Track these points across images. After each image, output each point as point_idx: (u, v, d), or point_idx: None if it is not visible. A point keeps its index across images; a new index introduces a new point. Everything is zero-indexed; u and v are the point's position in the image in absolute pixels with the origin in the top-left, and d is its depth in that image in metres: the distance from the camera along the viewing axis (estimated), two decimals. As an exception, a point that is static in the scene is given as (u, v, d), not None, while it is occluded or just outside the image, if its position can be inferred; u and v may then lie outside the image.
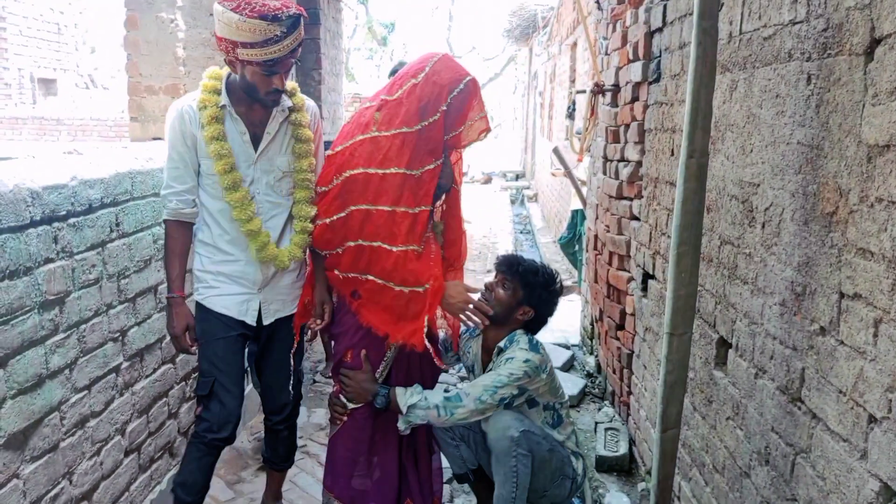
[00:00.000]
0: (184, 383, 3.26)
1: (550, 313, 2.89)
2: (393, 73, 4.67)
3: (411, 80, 2.48)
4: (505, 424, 2.65)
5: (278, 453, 2.99)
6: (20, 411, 2.07)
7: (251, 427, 3.95)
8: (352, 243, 2.55)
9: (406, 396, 2.60)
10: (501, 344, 2.79)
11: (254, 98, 2.56)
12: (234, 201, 2.58)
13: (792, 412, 1.81)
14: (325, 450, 2.85)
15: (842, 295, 1.57)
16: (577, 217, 6.55)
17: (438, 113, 2.46)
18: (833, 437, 1.60)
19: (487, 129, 2.57)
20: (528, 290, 2.78)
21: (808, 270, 1.74)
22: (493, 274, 2.89)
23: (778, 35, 1.94)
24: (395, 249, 2.51)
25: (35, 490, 2.15)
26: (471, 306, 2.68)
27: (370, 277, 2.56)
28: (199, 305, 2.69)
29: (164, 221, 2.61)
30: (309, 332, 2.82)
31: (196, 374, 2.95)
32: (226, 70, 2.60)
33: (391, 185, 2.48)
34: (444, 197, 2.74)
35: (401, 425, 2.61)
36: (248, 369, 2.96)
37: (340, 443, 2.73)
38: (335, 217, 2.57)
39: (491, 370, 2.77)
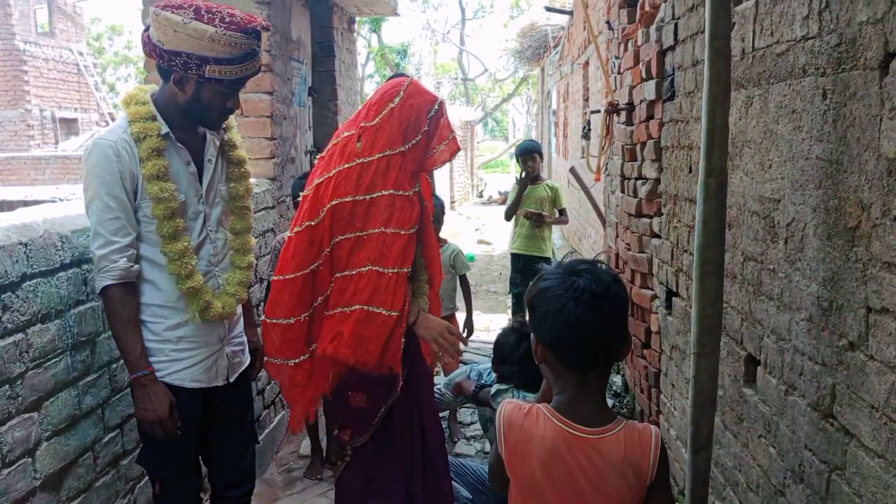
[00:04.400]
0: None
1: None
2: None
3: (389, 105, 2.47)
4: None
5: None
6: (55, 452, 2.10)
7: (280, 458, 3.96)
8: (338, 274, 2.43)
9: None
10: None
11: (201, 121, 2.29)
12: (172, 253, 2.19)
13: (824, 429, 1.80)
14: None
15: (869, 309, 1.56)
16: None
17: (420, 135, 2.50)
18: (868, 454, 1.58)
19: (458, 149, 2.62)
20: None
21: (834, 285, 1.73)
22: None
23: (791, 51, 1.95)
24: (388, 272, 2.42)
25: (71, 530, 2.17)
26: (446, 334, 2.56)
27: (356, 308, 2.41)
28: None
29: (106, 290, 2.13)
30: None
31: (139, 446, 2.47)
32: (148, 89, 2.30)
33: (380, 209, 2.44)
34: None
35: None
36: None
37: (347, 482, 2.68)
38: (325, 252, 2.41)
39: None
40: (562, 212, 5.92)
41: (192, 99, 2.19)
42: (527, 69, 22.64)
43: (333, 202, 2.39)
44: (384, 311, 2.40)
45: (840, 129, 1.69)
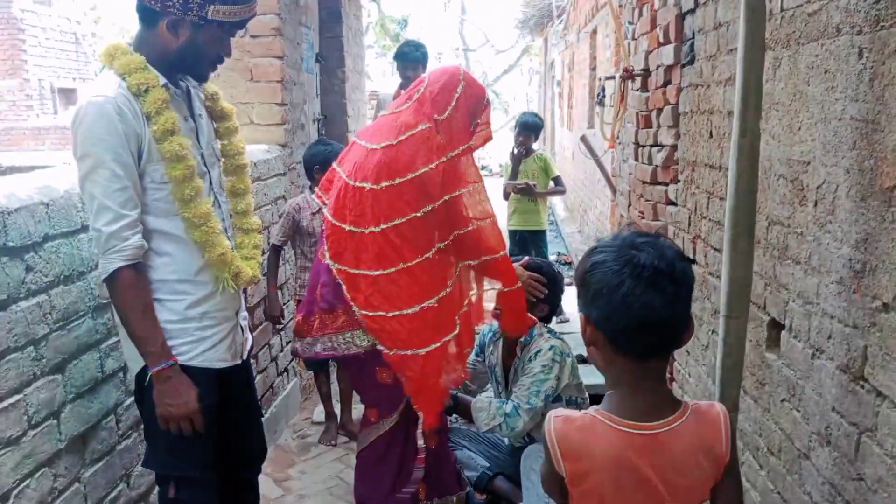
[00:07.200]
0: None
1: (559, 301, 3.11)
2: (399, 55, 4.69)
3: (455, 95, 2.52)
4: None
5: None
6: (79, 415, 2.10)
7: (294, 424, 3.98)
8: (472, 262, 2.64)
9: (476, 408, 2.78)
10: (522, 339, 2.94)
11: (192, 70, 2.08)
12: (196, 217, 1.98)
13: (854, 391, 1.79)
14: None
15: (906, 270, 1.55)
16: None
17: (474, 125, 2.60)
18: (902, 415, 1.57)
19: (490, 139, 2.70)
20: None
21: (868, 247, 1.71)
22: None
23: (824, 10, 1.91)
24: (500, 255, 2.65)
25: (95, 493, 2.18)
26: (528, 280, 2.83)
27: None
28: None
29: (118, 273, 1.89)
30: None
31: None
32: (124, 41, 2.05)
33: (482, 197, 2.60)
34: None
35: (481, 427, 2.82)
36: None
37: (375, 460, 2.71)
38: (444, 244, 2.56)
39: (518, 368, 2.92)
40: (556, 180, 5.79)
41: (187, 45, 1.97)
42: (529, 40, 22.43)
43: (452, 194, 2.49)
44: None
45: (877, 88, 1.66)
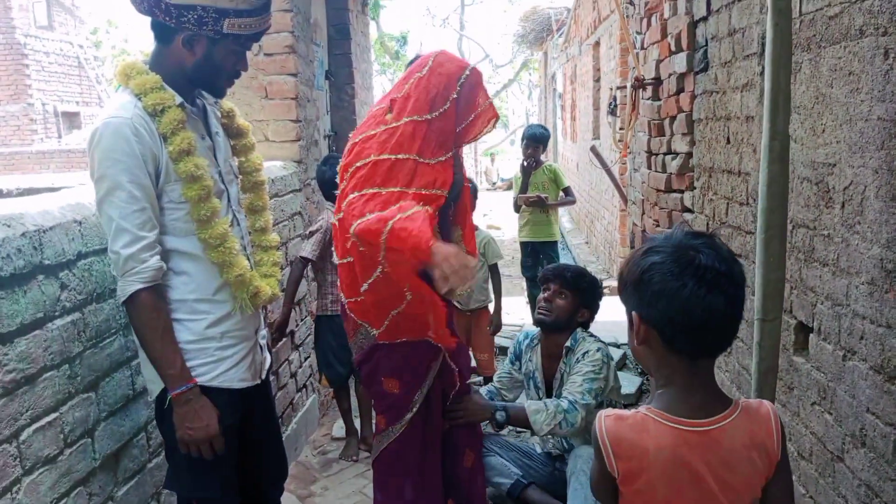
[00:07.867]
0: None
1: (598, 309, 3.11)
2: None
3: (416, 75, 2.46)
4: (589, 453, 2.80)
5: None
6: (112, 433, 2.10)
7: (314, 441, 3.97)
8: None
9: (532, 410, 2.76)
10: (567, 343, 2.97)
11: (209, 86, 2.06)
12: (213, 238, 1.95)
13: (890, 391, 1.79)
14: None
15: (943, 268, 1.55)
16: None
17: (449, 102, 2.44)
18: (943, 413, 1.57)
19: (496, 117, 2.54)
20: (581, 294, 3.00)
21: (900, 246, 1.71)
22: (545, 287, 3.06)
23: (846, 13, 1.93)
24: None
25: (128, 511, 2.17)
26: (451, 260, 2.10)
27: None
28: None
29: (136, 296, 1.85)
30: None
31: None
32: (140, 58, 2.04)
33: (402, 171, 2.37)
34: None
35: (537, 436, 2.81)
36: None
37: (385, 463, 2.66)
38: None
39: (565, 373, 2.94)
40: (566, 191, 5.76)
41: (203, 61, 1.94)
42: (528, 54, 22.54)
43: (357, 164, 2.35)
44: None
45: (905, 88, 1.67)
